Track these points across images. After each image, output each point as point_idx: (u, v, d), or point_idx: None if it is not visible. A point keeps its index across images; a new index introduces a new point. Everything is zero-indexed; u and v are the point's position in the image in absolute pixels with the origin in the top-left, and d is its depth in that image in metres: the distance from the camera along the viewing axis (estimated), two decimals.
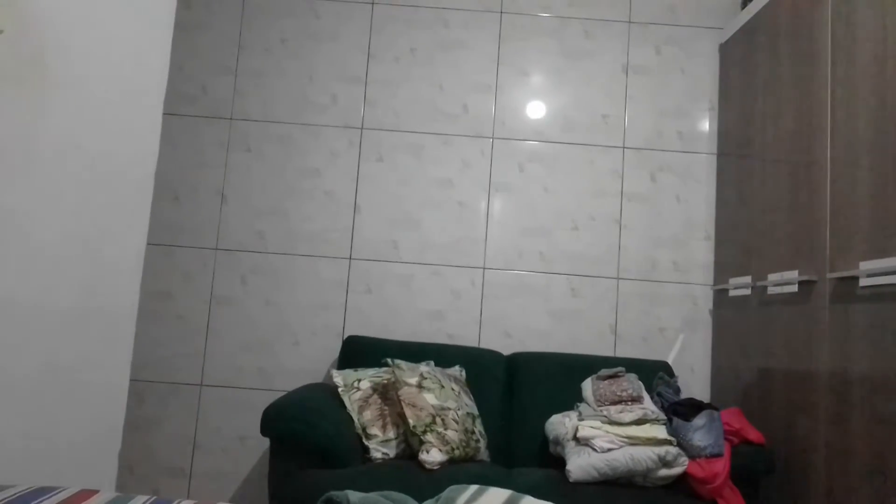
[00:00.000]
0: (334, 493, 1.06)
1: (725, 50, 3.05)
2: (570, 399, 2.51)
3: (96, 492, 1.41)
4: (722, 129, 3.04)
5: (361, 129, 3.09)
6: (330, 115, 3.09)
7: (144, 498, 1.41)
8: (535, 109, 3.11)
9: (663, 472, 2.13)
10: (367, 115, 3.10)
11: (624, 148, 3.08)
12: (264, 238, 3.03)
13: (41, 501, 1.35)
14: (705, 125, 3.10)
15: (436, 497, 1.12)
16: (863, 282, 1.90)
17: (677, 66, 3.12)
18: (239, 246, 3.02)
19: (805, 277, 2.18)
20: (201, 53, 3.11)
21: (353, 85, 3.11)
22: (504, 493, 1.04)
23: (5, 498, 1.34)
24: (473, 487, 1.07)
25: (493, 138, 3.09)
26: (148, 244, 2.53)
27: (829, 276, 2.04)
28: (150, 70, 1.94)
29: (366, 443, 2.31)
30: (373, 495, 1.05)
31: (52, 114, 1.55)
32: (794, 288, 2.26)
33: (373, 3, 3.14)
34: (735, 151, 2.88)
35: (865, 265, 1.88)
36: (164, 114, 2.40)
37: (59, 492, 1.41)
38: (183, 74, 3.09)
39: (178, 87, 3.08)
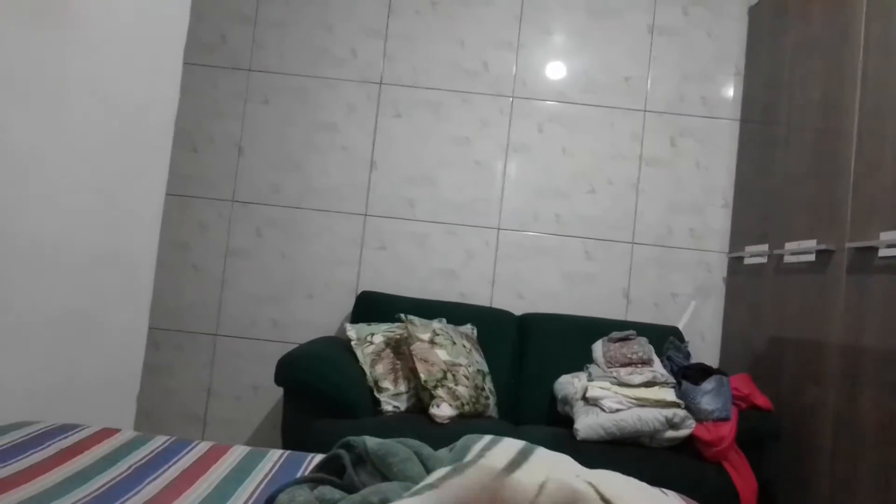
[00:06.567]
0: (352, 438, 1.08)
1: (755, 13, 2.97)
2: (579, 360, 2.53)
3: (117, 431, 1.45)
4: (746, 94, 2.98)
5: (380, 84, 3.05)
6: (349, 69, 3.06)
7: (164, 437, 1.45)
8: (557, 69, 3.06)
9: (670, 433, 2.16)
10: (387, 69, 3.06)
11: (645, 111, 3.04)
12: (280, 191, 3.03)
13: (64, 438, 1.39)
14: (730, 90, 3.04)
15: (450, 445, 1.14)
16: (882, 252, 1.88)
17: (704, 29, 3.05)
18: (255, 198, 3.03)
19: (823, 247, 2.16)
20: (221, 1, 3.06)
21: (373, 38, 3.06)
22: (518, 444, 1.06)
23: (30, 433, 1.38)
24: (488, 437, 1.09)
25: (512, 97, 3.05)
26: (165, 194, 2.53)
27: (849, 245, 2.03)
28: (171, 14, 1.92)
29: (377, 395, 2.35)
30: (389, 441, 1.07)
31: (73, 51, 1.54)
32: (812, 257, 2.24)
33: None
34: (759, 118, 2.83)
35: (886, 236, 1.86)
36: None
37: (82, 430, 1.45)
38: (202, 23, 3.05)
39: (197, 36, 3.04)
